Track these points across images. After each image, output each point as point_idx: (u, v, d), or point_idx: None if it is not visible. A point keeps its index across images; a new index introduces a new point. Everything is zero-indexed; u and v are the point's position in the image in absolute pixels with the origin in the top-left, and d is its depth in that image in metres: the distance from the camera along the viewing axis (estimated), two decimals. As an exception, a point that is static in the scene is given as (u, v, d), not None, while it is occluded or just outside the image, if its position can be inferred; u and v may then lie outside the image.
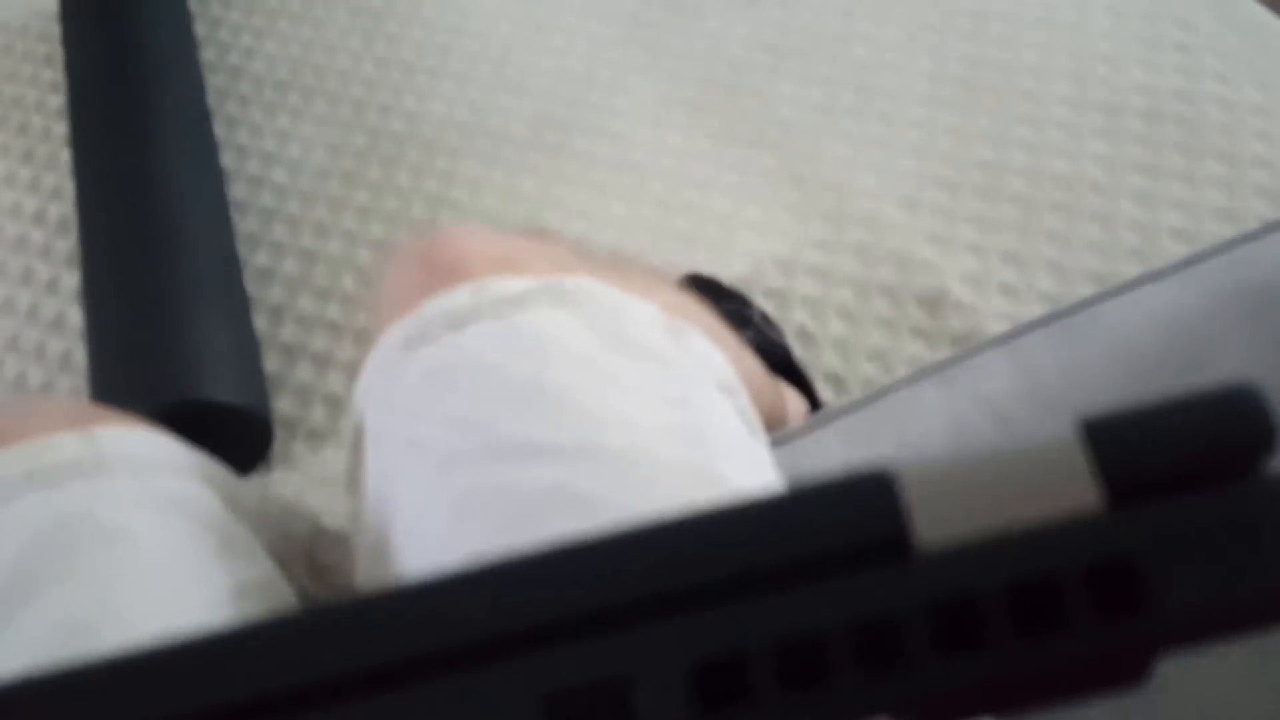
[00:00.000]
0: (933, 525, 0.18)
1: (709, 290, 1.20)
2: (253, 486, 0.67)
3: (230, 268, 1.30)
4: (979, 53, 1.47)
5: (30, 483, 0.51)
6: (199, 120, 1.42)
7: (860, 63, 1.47)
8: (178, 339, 1.18)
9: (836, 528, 0.18)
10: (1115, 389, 0.70)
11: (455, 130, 1.46)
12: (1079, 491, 0.18)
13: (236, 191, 1.42)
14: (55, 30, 1.54)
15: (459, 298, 0.54)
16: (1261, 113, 1.38)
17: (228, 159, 1.45)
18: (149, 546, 0.50)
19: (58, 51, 1.52)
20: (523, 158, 1.42)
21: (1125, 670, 0.18)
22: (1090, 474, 0.18)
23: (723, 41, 1.52)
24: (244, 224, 1.39)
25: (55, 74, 1.57)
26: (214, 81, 1.53)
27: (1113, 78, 1.42)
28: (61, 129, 1.50)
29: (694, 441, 0.51)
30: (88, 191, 1.33)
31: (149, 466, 0.54)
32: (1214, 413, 0.18)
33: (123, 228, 1.28)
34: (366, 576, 0.55)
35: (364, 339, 0.59)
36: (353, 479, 0.57)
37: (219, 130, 1.46)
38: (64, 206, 1.43)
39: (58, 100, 1.54)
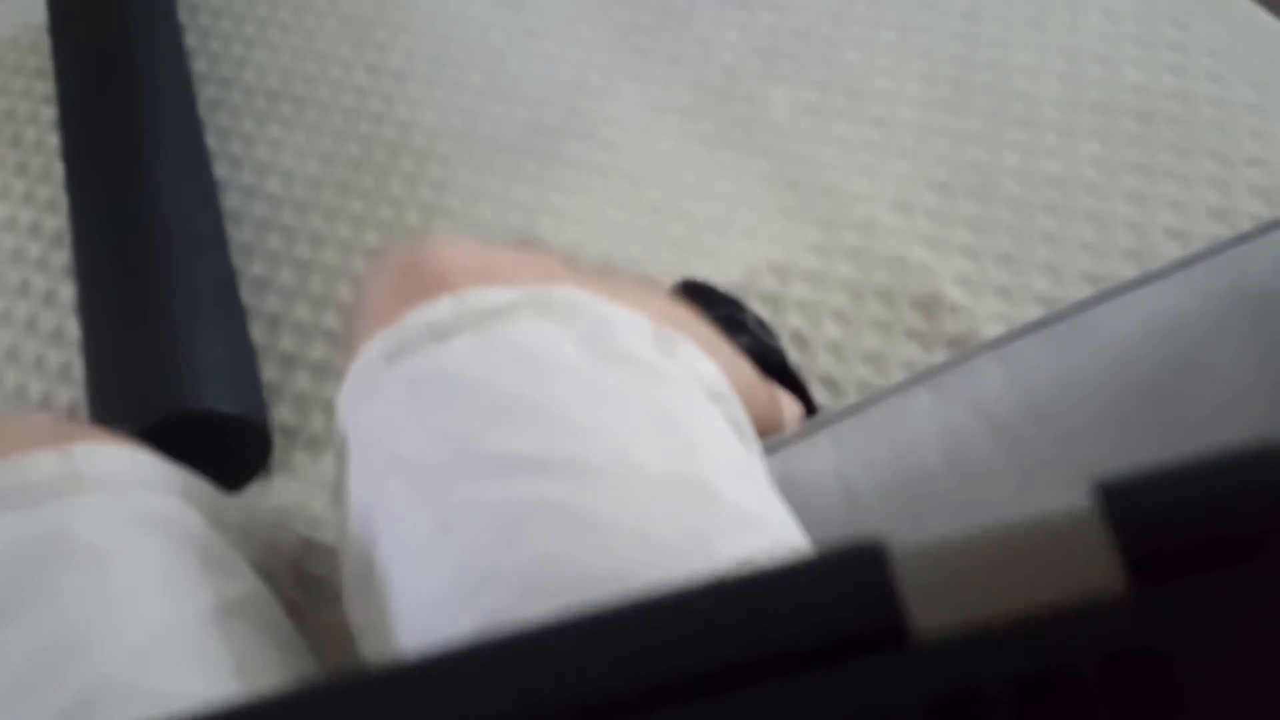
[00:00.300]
0: (931, 609, 0.16)
1: (703, 296, 1.20)
2: (237, 501, 0.66)
3: (226, 278, 1.31)
4: (971, 54, 1.46)
5: (6, 502, 0.50)
6: (191, 131, 1.42)
7: (852, 66, 1.47)
8: (175, 350, 1.18)
9: (824, 614, 0.16)
10: (1109, 394, 0.69)
11: (448, 138, 1.46)
12: (1096, 569, 0.16)
13: (230, 202, 1.42)
14: (47, 42, 1.54)
15: (440, 309, 0.53)
16: (1256, 111, 1.38)
17: (221, 169, 1.45)
18: (128, 565, 0.50)
19: (50, 64, 1.52)
20: (516, 165, 1.42)
21: None
22: (1109, 548, 0.16)
23: (714, 47, 1.51)
24: (239, 234, 1.39)
25: (48, 86, 1.56)
26: (205, 92, 1.53)
27: (1106, 78, 1.42)
28: (55, 141, 1.50)
29: (683, 453, 0.51)
30: (81, 204, 1.33)
31: (127, 484, 0.54)
32: (1243, 474, 0.16)
33: (118, 240, 1.28)
34: (352, 591, 0.54)
35: (348, 348, 0.58)
36: (339, 491, 0.57)
37: (211, 141, 1.46)
38: (60, 219, 1.43)
39: (51, 113, 1.54)
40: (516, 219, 1.37)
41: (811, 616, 0.16)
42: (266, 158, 1.47)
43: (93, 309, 1.25)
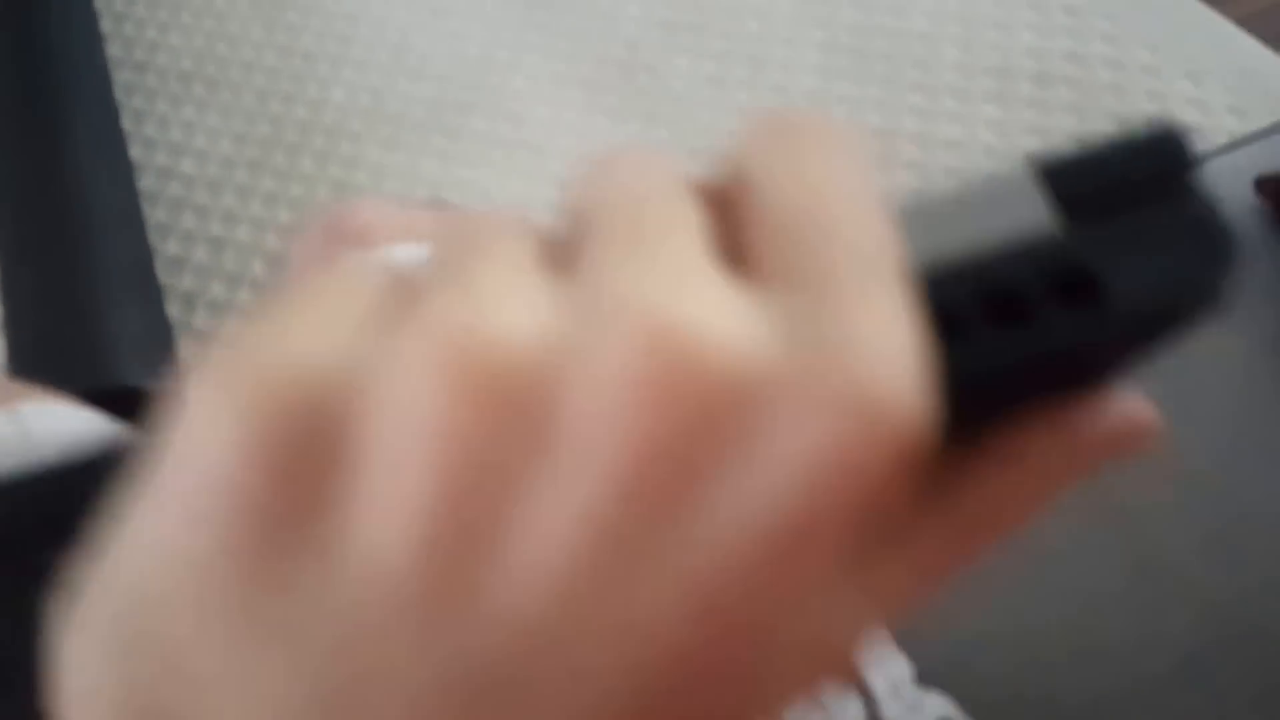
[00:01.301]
0: (915, 256, 0.20)
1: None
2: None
3: (143, 257, 1.33)
4: (868, 21, 1.49)
5: None
6: (108, 114, 1.45)
7: (752, 35, 1.50)
8: (94, 327, 1.21)
9: None
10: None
11: (357, 116, 1.48)
12: (1036, 215, 0.20)
13: (145, 183, 1.44)
14: (-32, 30, 1.56)
15: None
16: (1150, 72, 1.40)
17: (136, 151, 1.47)
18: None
19: (-28, 51, 1.54)
20: (423, 141, 1.45)
21: (1091, 368, 0.21)
22: (1043, 199, 0.20)
23: (617, 20, 1.54)
24: (154, 214, 1.41)
25: (-30, 73, 1.58)
26: (120, 76, 1.55)
27: (1002, 42, 1.45)
28: (-23, 127, 1.52)
29: None
30: (1, 187, 1.35)
31: (76, 442, 0.53)
32: (1144, 142, 0.21)
33: (37, 221, 1.31)
34: None
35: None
36: None
37: (127, 124, 1.48)
38: (-17, 203, 1.45)
39: (-28, 99, 1.56)
40: (425, 194, 1.39)
41: None
42: (180, 139, 1.49)
43: (11, 288, 1.28)
